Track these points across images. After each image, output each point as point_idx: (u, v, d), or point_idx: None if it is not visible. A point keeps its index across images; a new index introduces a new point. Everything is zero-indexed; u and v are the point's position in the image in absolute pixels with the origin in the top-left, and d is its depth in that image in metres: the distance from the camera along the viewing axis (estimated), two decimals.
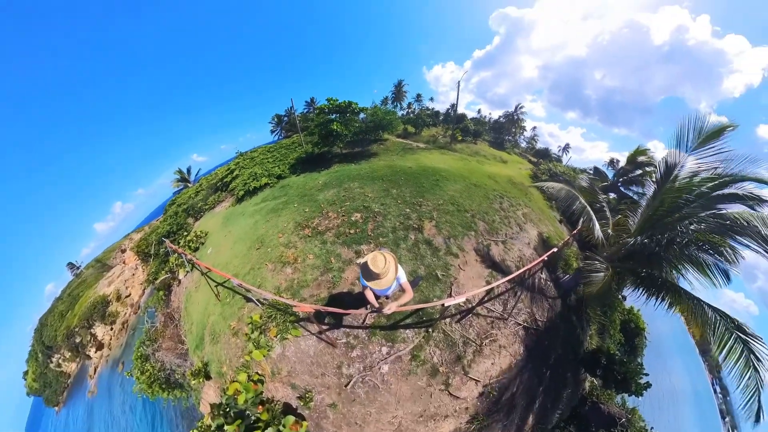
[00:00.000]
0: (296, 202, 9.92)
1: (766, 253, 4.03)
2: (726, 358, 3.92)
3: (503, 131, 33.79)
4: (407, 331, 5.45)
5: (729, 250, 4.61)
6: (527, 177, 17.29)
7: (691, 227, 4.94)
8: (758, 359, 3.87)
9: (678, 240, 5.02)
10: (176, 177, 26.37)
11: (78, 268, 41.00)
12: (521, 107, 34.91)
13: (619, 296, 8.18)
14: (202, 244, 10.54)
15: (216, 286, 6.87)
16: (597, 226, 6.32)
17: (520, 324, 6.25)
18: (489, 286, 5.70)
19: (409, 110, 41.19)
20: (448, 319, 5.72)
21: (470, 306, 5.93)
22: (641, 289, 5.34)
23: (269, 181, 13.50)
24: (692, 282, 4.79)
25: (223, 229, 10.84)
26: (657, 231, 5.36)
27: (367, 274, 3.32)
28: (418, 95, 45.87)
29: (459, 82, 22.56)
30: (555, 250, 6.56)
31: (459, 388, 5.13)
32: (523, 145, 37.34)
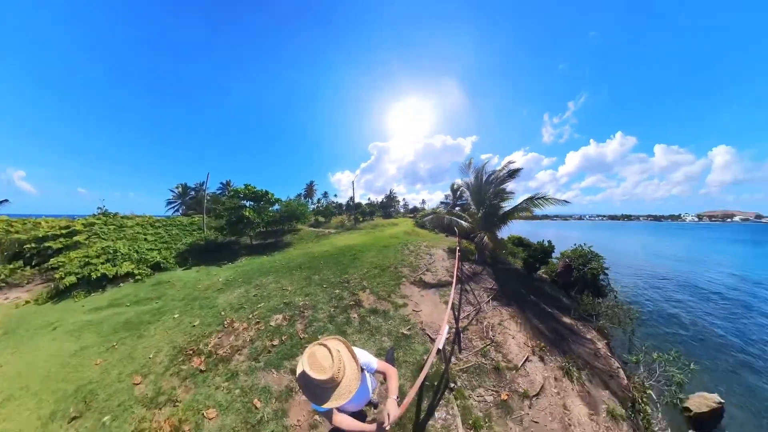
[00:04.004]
0: (179, 310, 5.64)
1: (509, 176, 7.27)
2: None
3: (388, 207, 42.54)
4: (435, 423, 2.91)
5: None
6: (413, 226, 19.25)
7: (490, 191, 7.65)
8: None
9: (491, 197, 7.56)
10: None
11: None
12: (393, 191, 45.97)
13: (502, 240, 9.38)
14: None
15: None
16: (462, 222, 8.28)
17: (494, 299, 5.86)
18: (451, 302, 4.09)
19: (319, 204, 42.22)
20: (451, 366, 3.80)
21: (453, 331, 4.49)
22: (507, 224, 7.69)
23: (137, 271, 7.11)
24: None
25: None
26: (483, 203, 7.86)
27: (314, 388, 1.33)
28: (325, 193, 49.01)
29: (353, 182, 28.28)
30: (458, 247, 7.40)
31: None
32: (402, 210, 47.68)
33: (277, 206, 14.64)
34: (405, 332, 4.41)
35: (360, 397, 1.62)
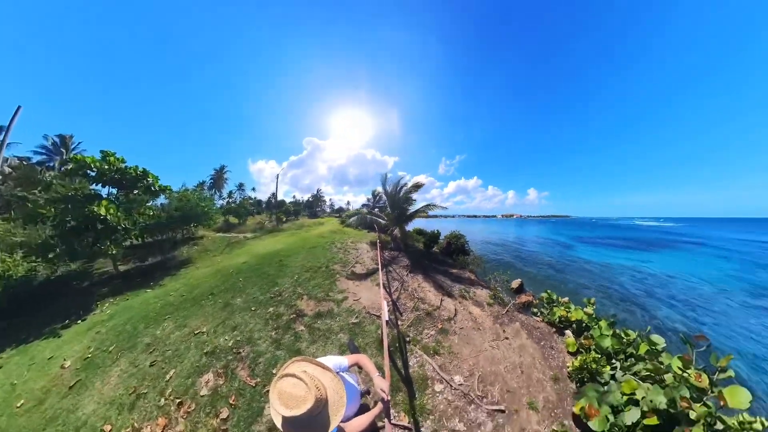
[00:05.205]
0: None
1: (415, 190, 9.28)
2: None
3: (314, 206, 39.99)
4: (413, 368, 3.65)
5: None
6: (339, 224, 19.06)
7: (401, 198, 9.43)
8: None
9: (402, 202, 9.47)
10: None
11: None
12: (320, 190, 43.94)
13: (408, 232, 11.38)
14: None
15: None
16: (380, 220, 9.94)
17: (410, 271, 7.53)
18: (381, 282, 5.01)
19: (230, 199, 29.85)
20: (400, 326, 4.71)
21: (391, 303, 5.33)
22: (412, 221, 9.90)
23: None
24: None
25: None
26: (396, 206, 9.57)
27: (307, 425, 1.10)
28: (241, 184, 35.28)
29: (278, 175, 23.58)
30: (378, 240, 9.41)
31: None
32: (328, 210, 46.38)
33: (163, 199, 8.92)
34: (354, 321, 4.62)
35: (352, 397, 1.55)
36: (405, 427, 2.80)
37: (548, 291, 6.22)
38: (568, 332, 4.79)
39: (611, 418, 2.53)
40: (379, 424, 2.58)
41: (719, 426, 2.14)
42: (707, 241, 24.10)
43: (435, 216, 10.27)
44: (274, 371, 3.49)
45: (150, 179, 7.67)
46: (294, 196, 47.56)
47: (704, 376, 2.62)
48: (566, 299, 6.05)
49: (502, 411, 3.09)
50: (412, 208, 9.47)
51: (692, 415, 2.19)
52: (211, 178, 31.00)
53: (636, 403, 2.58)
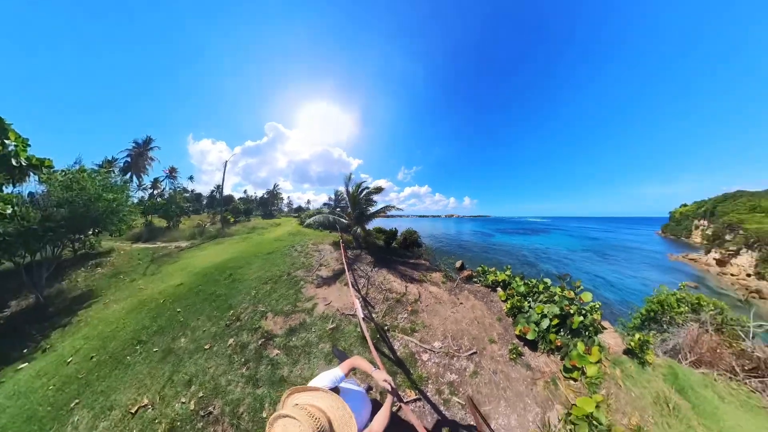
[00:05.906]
0: None
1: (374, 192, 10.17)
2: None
3: (269, 204, 34.89)
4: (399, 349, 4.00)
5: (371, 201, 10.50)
6: (298, 225, 17.69)
7: (363, 200, 10.15)
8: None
9: (363, 203, 10.13)
10: None
11: None
12: (278, 185, 38.03)
13: (369, 231, 11.86)
14: None
15: None
16: (342, 220, 10.11)
17: (374, 266, 7.99)
18: (350, 281, 5.24)
19: (155, 191, 20.08)
20: (376, 318, 5.06)
21: (362, 300, 5.67)
22: (372, 220, 10.53)
23: None
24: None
25: None
26: (357, 206, 10.18)
27: None
28: (173, 169, 22.52)
29: (227, 162, 16.66)
30: (341, 240, 9.67)
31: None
32: (286, 209, 41.47)
33: (37, 185, 5.24)
34: (332, 327, 4.45)
35: (363, 401, 1.52)
36: (416, 400, 3.18)
37: (482, 265, 7.96)
38: (499, 289, 6.42)
39: (536, 328, 3.88)
40: (393, 408, 2.91)
41: (583, 311, 3.75)
42: (565, 228, 45.11)
43: (392, 216, 11.02)
44: (264, 415, 2.93)
45: (11, 142, 4.24)
46: (245, 191, 37.65)
47: (572, 292, 4.46)
48: (494, 269, 7.92)
49: (475, 353, 4.00)
50: (373, 209, 10.14)
51: (572, 310, 3.81)
52: (127, 155, 19.14)
53: (545, 316, 4.02)
